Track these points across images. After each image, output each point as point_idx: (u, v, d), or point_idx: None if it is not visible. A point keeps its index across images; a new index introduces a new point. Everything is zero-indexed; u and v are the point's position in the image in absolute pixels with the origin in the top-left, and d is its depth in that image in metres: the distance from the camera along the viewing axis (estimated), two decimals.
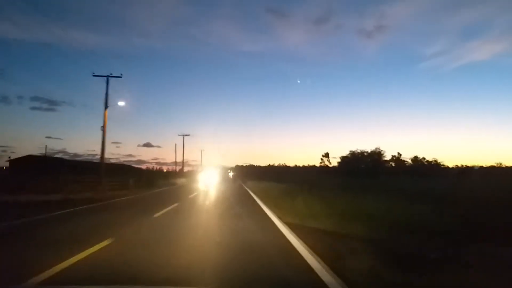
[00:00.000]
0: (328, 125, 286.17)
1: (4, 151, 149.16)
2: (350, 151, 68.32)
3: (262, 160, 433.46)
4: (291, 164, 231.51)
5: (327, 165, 78.07)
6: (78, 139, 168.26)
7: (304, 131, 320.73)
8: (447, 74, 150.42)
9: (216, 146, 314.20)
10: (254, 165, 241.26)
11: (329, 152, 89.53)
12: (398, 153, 64.98)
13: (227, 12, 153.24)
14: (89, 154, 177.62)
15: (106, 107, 24.65)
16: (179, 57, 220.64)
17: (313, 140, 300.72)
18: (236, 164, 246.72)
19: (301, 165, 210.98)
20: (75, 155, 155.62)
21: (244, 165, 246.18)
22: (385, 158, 65.14)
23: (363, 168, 60.51)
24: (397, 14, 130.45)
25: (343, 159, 62.80)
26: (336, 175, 55.56)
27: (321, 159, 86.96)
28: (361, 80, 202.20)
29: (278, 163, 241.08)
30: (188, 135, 50.41)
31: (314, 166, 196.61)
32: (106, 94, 24.80)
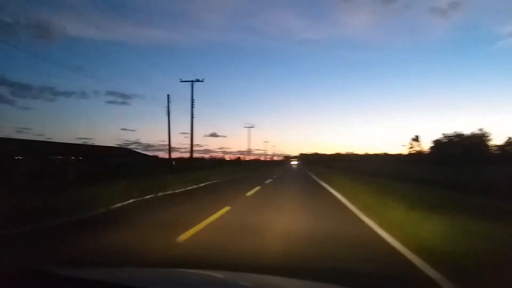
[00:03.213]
0: (396, 111, 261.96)
1: (85, 143, 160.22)
2: (443, 134, 55.46)
3: (328, 148, 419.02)
4: (359, 152, 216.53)
5: (418, 151, 62.24)
6: (150, 130, 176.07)
7: (372, 118, 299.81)
8: None
9: (279, 135, 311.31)
10: (319, 154, 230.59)
11: (418, 135, 71.97)
12: None
13: (286, 0, 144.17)
14: (160, 145, 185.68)
15: None
16: (240, 48, 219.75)
17: (380, 127, 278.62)
18: (300, 152, 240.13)
19: (371, 153, 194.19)
20: (148, 145, 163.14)
21: (309, 153, 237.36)
22: (491, 142, 51.43)
23: (462, 154, 47.96)
24: None
25: (437, 143, 50.01)
26: (430, 164, 44.16)
27: (410, 143, 70.83)
28: (429, 62, 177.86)
29: (346, 151, 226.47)
30: (253, 126, 46.53)
31: (386, 154, 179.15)
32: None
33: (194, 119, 28.99)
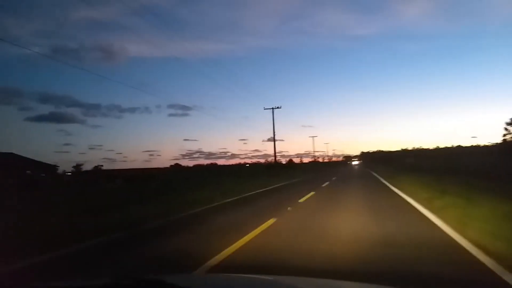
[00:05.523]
0: (463, 101, 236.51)
1: (152, 155, 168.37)
2: None
3: (392, 144, 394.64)
4: (429, 146, 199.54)
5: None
6: (212, 139, 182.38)
7: (438, 110, 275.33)
8: None
9: (339, 135, 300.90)
10: (383, 151, 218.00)
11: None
12: None
13: None
14: (221, 152, 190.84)
15: None
16: (292, 51, 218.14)
17: (448, 118, 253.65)
18: (361, 151, 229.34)
19: (442, 146, 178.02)
20: (210, 153, 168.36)
21: (371, 151, 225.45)
22: None
23: None
24: None
25: None
26: None
27: (506, 129, 57.87)
28: (493, 47, 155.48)
29: (412, 146, 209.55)
30: (279, 107, 40.99)
31: (459, 147, 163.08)
32: None
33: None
